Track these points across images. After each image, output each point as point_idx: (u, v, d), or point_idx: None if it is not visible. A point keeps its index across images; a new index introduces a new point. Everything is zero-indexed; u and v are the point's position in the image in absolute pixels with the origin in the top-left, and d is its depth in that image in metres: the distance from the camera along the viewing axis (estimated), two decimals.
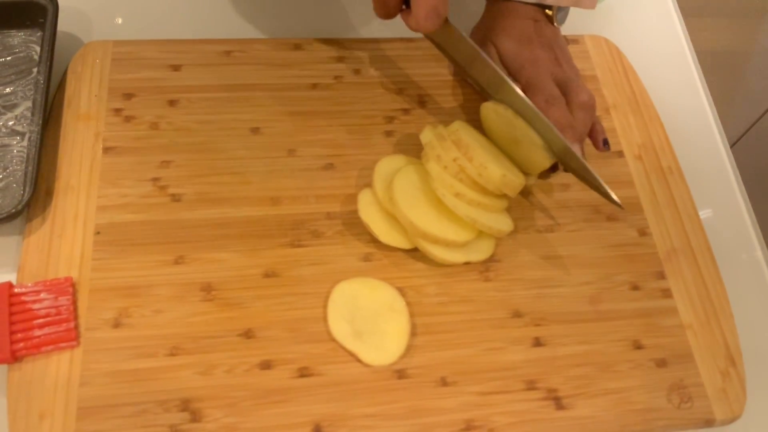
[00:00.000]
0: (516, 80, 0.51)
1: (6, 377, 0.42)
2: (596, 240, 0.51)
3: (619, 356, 0.46)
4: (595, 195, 0.50)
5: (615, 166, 0.54)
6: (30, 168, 0.47)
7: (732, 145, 0.66)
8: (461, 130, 0.48)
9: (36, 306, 0.43)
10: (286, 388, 0.43)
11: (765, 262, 0.54)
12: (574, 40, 0.60)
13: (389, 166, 0.49)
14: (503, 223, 0.48)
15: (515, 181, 0.47)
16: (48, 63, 0.51)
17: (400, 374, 0.44)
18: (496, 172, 0.46)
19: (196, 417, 0.41)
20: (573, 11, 0.64)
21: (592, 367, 0.46)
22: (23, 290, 0.43)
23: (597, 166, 0.54)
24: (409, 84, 0.56)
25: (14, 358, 0.42)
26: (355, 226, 0.49)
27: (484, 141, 0.49)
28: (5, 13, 0.53)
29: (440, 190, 0.46)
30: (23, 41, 0.54)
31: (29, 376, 0.42)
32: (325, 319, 0.45)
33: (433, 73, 0.57)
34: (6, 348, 0.41)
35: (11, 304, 0.43)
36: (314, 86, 0.55)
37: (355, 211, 0.48)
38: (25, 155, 0.49)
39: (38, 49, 0.54)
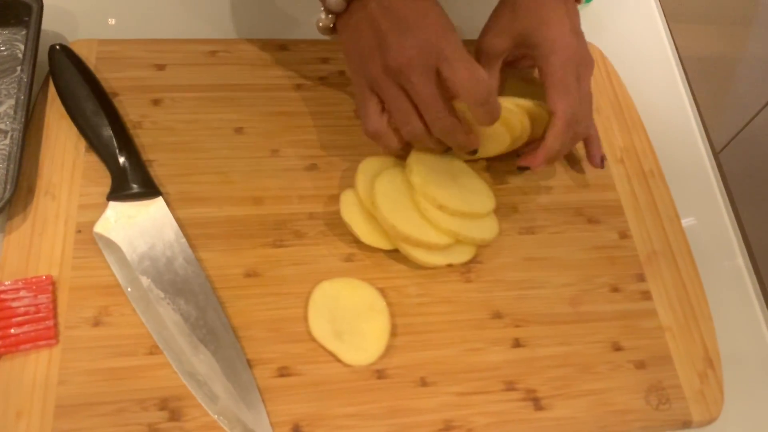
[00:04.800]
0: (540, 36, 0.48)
1: None
2: (577, 242, 0.51)
3: (599, 358, 0.47)
4: (576, 197, 0.50)
5: (597, 170, 0.55)
6: (12, 166, 0.47)
7: (719, 152, 0.66)
8: (414, 170, 0.47)
9: (15, 304, 0.43)
10: (266, 388, 0.43)
11: (745, 268, 0.54)
12: None
13: (372, 166, 0.49)
14: (487, 231, 0.48)
15: (480, 212, 0.48)
16: (32, 61, 0.51)
17: (380, 374, 0.44)
18: (457, 213, 0.47)
19: (174, 416, 0.41)
20: None
21: (572, 368, 0.46)
22: (2, 288, 0.43)
23: (578, 170, 0.54)
24: None
25: None
26: (337, 227, 0.49)
27: (442, 172, 0.48)
28: None
29: (422, 204, 0.46)
30: (7, 39, 0.54)
31: (7, 375, 0.41)
32: (305, 319, 0.45)
33: None
34: None
35: None
36: (299, 87, 0.55)
37: (338, 212, 0.48)
38: (7, 153, 0.49)
39: (23, 47, 0.54)
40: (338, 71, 0.56)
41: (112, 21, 0.58)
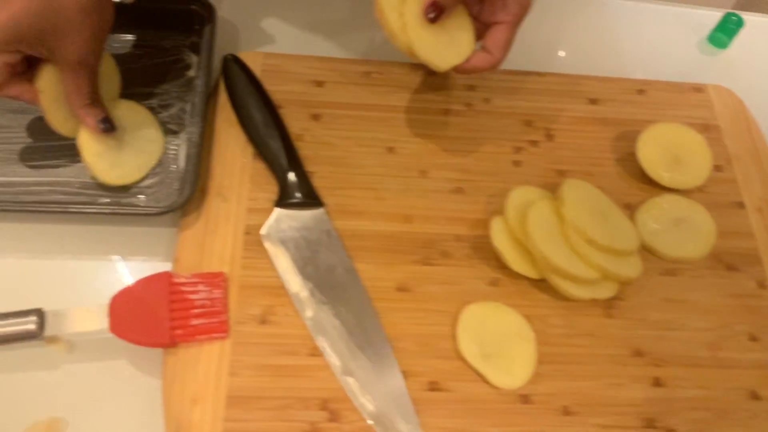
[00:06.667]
0: None
1: (160, 361, 0.45)
2: (716, 288, 0.52)
3: (737, 404, 0.47)
4: (715, 243, 0.51)
5: (735, 217, 0.55)
6: (191, 167, 0.50)
7: None
8: (566, 203, 0.49)
9: (193, 296, 0.46)
10: (416, 400, 0.45)
11: None
12: (698, 89, 0.62)
13: (522, 197, 0.51)
14: (632, 268, 0.49)
15: (626, 249, 0.49)
16: (207, 68, 0.55)
17: (525, 399, 0.46)
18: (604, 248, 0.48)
19: (334, 417, 0.44)
20: (695, 61, 0.65)
21: (710, 413, 0.47)
22: (182, 281, 0.47)
23: (716, 216, 0.54)
24: (538, 117, 0.58)
25: (173, 343, 0.45)
26: (482, 251, 0.51)
27: (592, 207, 0.50)
28: (163, 18, 0.57)
29: (573, 237, 0.48)
30: (175, 44, 0.58)
31: (183, 362, 0.45)
32: (452, 336, 0.47)
33: (562, 108, 0.59)
34: (166, 333, 0.44)
35: (171, 293, 0.46)
36: (446, 112, 0.58)
37: (483, 236, 0.50)
38: (176, 153, 0.53)
39: (190, 53, 0.58)
40: (483, 98, 0.59)
41: (272, 34, 0.61)
